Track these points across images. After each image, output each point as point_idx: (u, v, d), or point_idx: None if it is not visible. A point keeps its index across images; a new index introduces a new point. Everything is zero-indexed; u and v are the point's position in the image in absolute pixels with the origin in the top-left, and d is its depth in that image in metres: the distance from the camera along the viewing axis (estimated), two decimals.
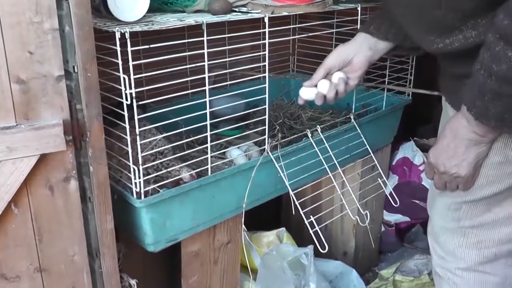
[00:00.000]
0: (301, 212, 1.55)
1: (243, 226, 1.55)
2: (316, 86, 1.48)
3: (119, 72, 1.21)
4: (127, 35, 1.15)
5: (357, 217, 1.73)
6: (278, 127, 1.65)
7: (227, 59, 1.54)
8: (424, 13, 1.21)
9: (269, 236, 1.92)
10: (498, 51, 1.06)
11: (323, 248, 1.53)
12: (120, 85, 1.22)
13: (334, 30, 1.91)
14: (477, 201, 1.33)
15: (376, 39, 1.49)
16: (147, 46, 1.23)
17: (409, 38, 1.46)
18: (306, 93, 1.48)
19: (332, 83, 1.48)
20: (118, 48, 1.16)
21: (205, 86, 1.35)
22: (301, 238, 2.01)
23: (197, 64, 1.34)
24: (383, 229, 2.36)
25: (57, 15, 1.09)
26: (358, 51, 1.50)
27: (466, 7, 1.13)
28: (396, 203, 1.86)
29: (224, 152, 1.61)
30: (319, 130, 1.67)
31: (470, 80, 1.14)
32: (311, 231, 1.54)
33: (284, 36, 1.97)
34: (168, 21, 1.35)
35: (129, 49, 1.16)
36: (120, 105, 1.27)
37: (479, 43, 1.13)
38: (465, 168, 1.25)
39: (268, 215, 2.09)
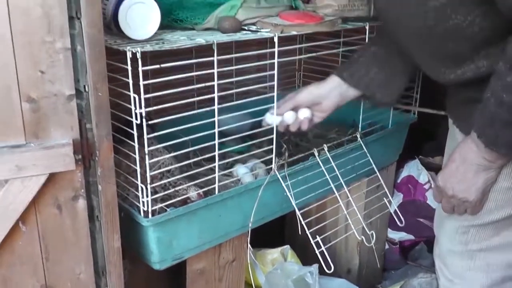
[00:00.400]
0: (307, 232, 1.55)
1: (249, 245, 1.54)
2: (282, 114, 1.52)
3: (125, 89, 1.21)
4: (138, 55, 1.15)
5: (362, 237, 1.72)
6: (285, 146, 1.64)
7: (234, 79, 1.53)
8: (434, 46, 1.21)
9: (273, 254, 1.92)
10: (509, 82, 1.06)
11: (329, 268, 1.53)
12: (126, 102, 1.23)
13: (341, 49, 1.90)
14: (486, 225, 1.33)
15: (348, 85, 1.51)
16: (157, 66, 1.23)
17: (380, 92, 1.51)
18: (271, 119, 1.52)
19: (298, 119, 1.52)
20: (129, 68, 1.16)
21: (212, 104, 1.35)
22: (305, 255, 2.00)
23: (206, 84, 1.33)
24: (387, 246, 2.35)
25: (69, 34, 1.09)
26: (328, 96, 1.52)
27: (478, 37, 1.13)
28: (401, 222, 1.85)
29: (230, 170, 1.61)
30: (325, 149, 1.67)
31: (480, 106, 1.15)
32: (317, 251, 1.54)
33: (291, 54, 1.98)
34: (179, 39, 1.35)
35: (140, 69, 1.16)
36: (128, 123, 1.27)
37: (491, 72, 1.13)
38: (474, 193, 1.25)
39: (272, 232, 2.09)
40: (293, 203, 1.57)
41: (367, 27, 1.71)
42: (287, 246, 1.94)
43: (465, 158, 1.23)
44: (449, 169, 1.28)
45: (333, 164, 1.67)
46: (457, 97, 1.33)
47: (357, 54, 1.56)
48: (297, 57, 1.82)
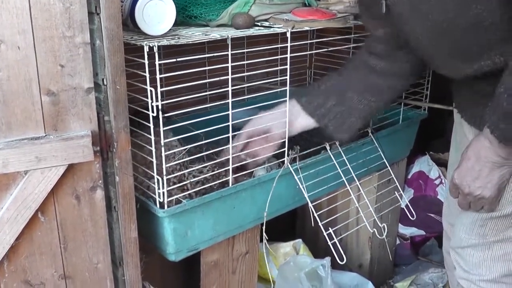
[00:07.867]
0: (320, 224, 1.57)
1: (265, 236, 1.56)
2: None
3: (141, 83, 1.24)
4: (155, 49, 1.18)
5: (374, 229, 1.74)
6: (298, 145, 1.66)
7: (245, 74, 1.55)
8: (453, 39, 1.21)
9: (286, 247, 1.94)
10: None
11: (341, 260, 1.55)
12: (141, 96, 1.26)
13: (351, 45, 1.93)
14: (503, 217, 1.35)
15: (304, 113, 1.53)
16: (173, 60, 1.26)
17: (333, 126, 1.53)
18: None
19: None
20: (146, 62, 1.19)
21: (223, 99, 1.37)
22: (315, 250, 2.03)
23: (220, 78, 1.36)
24: (398, 242, 2.37)
25: (89, 29, 1.12)
26: (278, 126, 1.53)
27: (498, 28, 1.14)
28: (413, 216, 1.87)
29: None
30: (337, 143, 1.69)
31: (492, 102, 1.16)
32: (329, 243, 1.55)
33: (301, 50, 2.00)
34: (194, 35, 1.38)
35: (157, 62, 1.18)
36: (138, 114, 1.30)
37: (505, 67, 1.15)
38: (490, 189, 1.26)
39: (283, 225, 2.11)
40: (306, 196, 1.59)
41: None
42: (299, 240, 1.97)
43: (479, 156, 1.24)
44: (465, 166, 1.28)
45: (344, 158, 1.69)
46: (469, 90, 1.34)
47: (318, 82, 1.55)
48: (308, 52, 1.84)
